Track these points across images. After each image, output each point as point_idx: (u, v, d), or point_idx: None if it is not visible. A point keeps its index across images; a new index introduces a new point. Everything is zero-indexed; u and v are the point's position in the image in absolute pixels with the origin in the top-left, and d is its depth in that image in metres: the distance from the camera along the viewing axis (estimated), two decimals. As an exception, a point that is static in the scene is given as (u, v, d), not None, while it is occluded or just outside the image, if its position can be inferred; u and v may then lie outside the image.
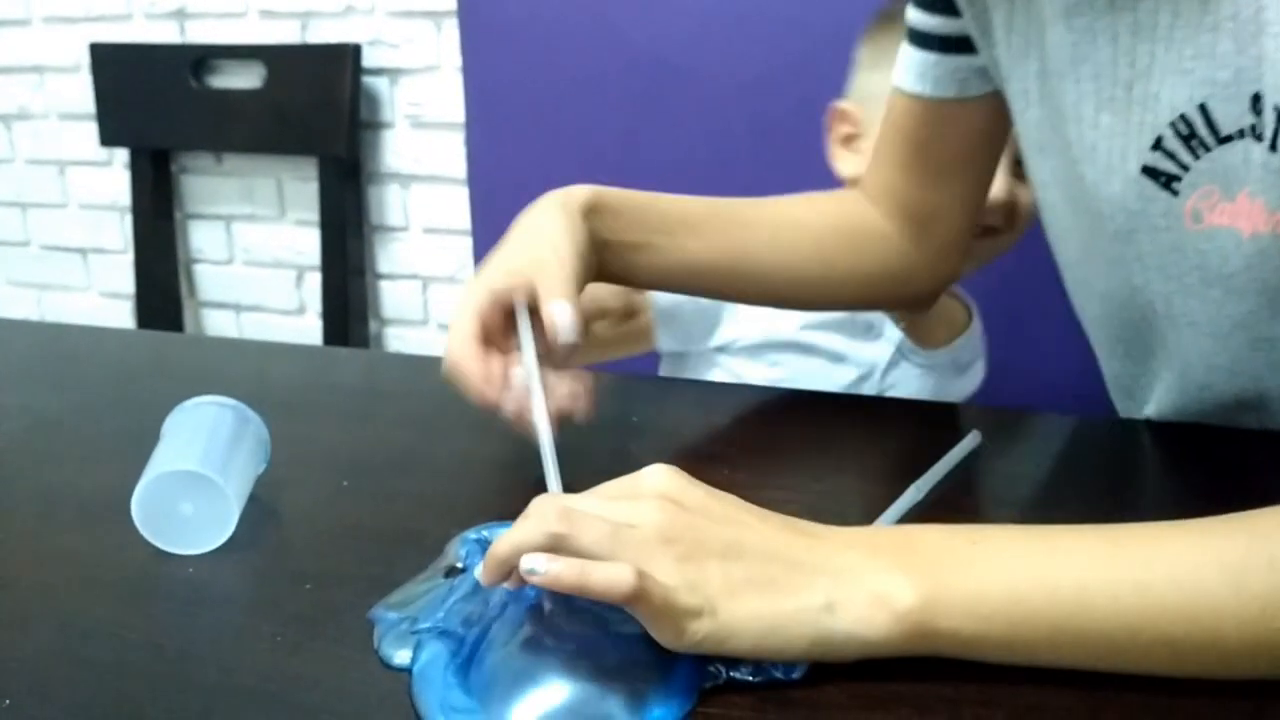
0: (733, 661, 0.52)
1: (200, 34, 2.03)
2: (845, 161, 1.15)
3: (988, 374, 1.22)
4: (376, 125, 1.96)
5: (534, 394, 0.66)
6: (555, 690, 0.50)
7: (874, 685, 0.51)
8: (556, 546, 0.49)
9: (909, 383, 1.15)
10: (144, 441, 0.67)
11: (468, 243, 1.90)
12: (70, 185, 2.25)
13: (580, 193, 0.77)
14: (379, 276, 2.05)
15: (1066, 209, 0.78)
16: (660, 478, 0.53)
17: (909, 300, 1.01)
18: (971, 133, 0.88)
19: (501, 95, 1.67)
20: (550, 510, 0.51)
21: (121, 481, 0.64)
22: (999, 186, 0.98)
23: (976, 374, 1.21)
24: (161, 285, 2.14)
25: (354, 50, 1.87)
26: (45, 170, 2.25)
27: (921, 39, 0.86)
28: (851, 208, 0.94)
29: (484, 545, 0.62)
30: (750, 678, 0.52)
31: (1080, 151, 0.72)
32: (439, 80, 1.89)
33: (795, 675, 0.52)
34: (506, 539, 0.51)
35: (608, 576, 0.48)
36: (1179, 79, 0.64)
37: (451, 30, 1.83)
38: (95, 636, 0.57)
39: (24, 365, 1.00)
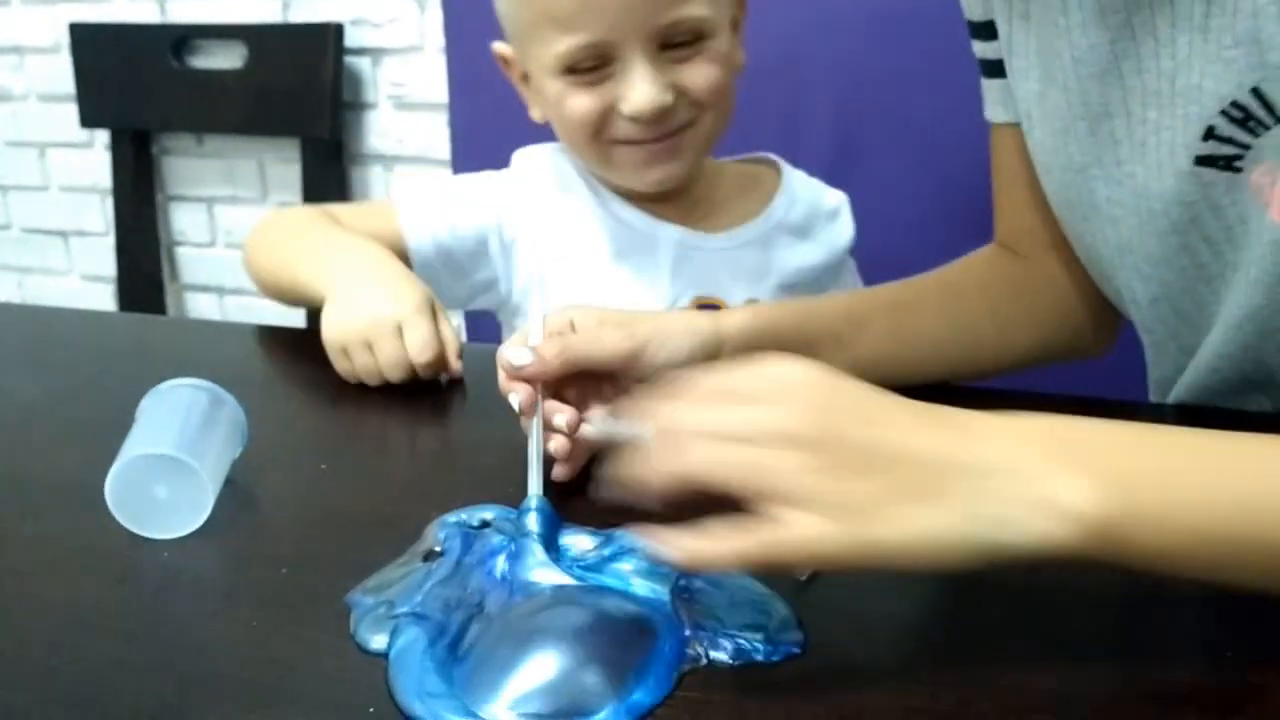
0: (713, 644, 0.52)
1: (181, 13, 2.00)
2: (532, 104, 1.02)
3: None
4: (359, 106, 1.94)
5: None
6: (535, 674, 0.49)
7: (855, 668, 0.51)
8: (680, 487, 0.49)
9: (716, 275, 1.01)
10: (121, 425, 0.66)
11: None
12: (51, 167, 2.22)
13: (733, 321, 0.75)
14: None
15: (1106, 213, 0.75)
16: (797, 373, 0.49)
17: (1089, 337, 0.90)
18: None
19: (485, 76, 1.64)
20: (673, 461, 0.48)
21: (97, 465, 0.63)
22: (642, 96, 0.89)
23: (842, 224, 1.09)
24: (143, 268, 2.12)
25: (336, 30, 1.84)
26: (25, 152, 2.23)
27: (990, 67, 0.83)
28: (1003, 263, 0.89)
29: (463, 529, 0.61)
30: (730, 661, 0.51)
31: (1129, 150, 0.70)
32: (422, 60, 1.87)
33: (776, 659, 0.51)
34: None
35: (721, 558, 0.47)
36: (1223, 68, 0.62)
37: (435, 10, 1.81)
38: (68, 622, 0.56)
39: (1, 348, 0.99)
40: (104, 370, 0.91)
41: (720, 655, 0.52)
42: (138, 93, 2.01)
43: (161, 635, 0.55)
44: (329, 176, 1.93)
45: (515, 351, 0.66)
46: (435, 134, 1.89)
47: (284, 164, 2.02)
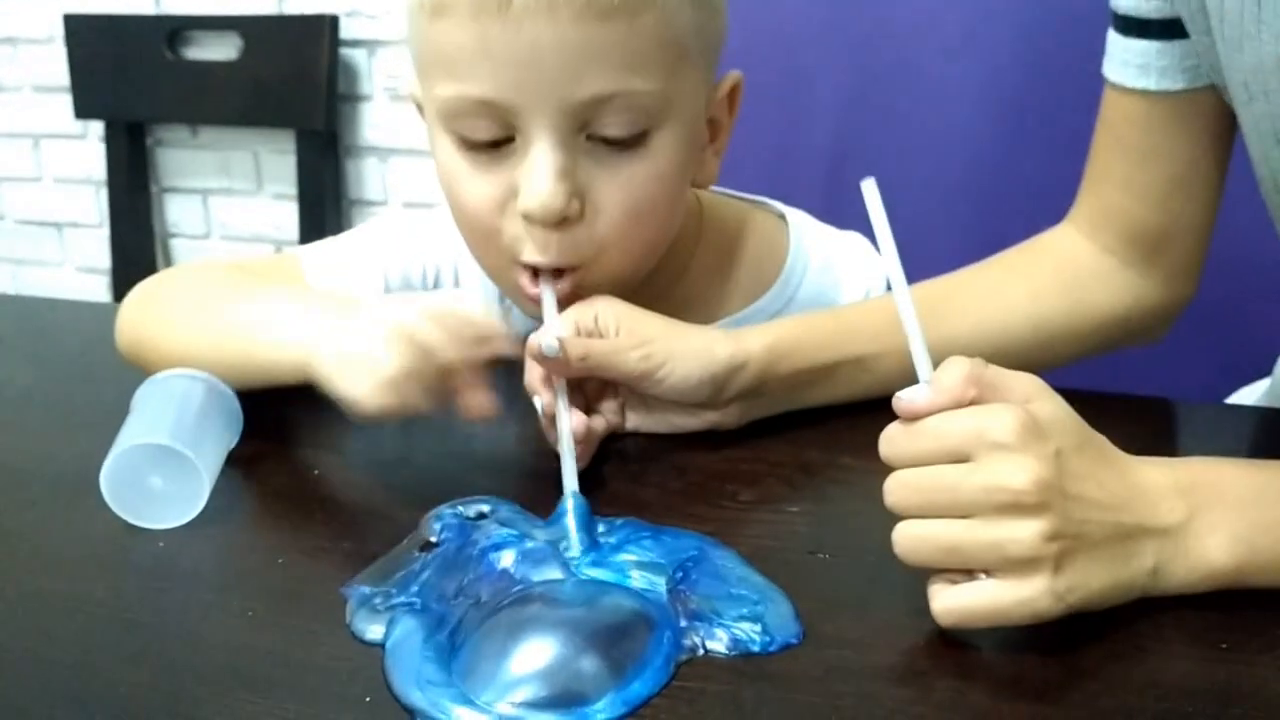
0: (710, 634, 0.52)
1: (175, 4, 2.00)
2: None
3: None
4: (354, 98, 1.94)
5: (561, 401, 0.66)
6: (532, 663, 0.49)
7: (849, 657, 0.51)
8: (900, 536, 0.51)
9: None
10: (116, 415, 0.66)
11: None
12: (45, 158, 2.22)
13: (757, 341, 0.71)
14: (358, 251, 2.03)
15: None
16: (1010, 434, 0.50)
17: (1141, 336, 0.85)
18: (1205, 133, 0.76)
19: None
20: (892, 493, 0.52)
21: (92, 455, 0.63)
22: (533, 189, 0.68)
23: (868, 274, 0.90)
24: (138, 260, 2.11)
25: (331, 21, 1.84)
26: (19, 143, 2.22)
27: (1139, 26, 0.74)
28: (1061, 256, 0.82)
29: (459, 521, 0.61)
30: (727, 651, 0.51)
31: None
32: (417, 52, 1.87)
33: (773, 649, 0.51)
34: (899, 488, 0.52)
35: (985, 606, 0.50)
36: None
37: None
38: (64, 612, 0.56)
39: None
40: (98, 361, 0.91)
41: (717, 646, 0.52)
42: (132, 84, 2.00)
43: (157, 625, 0.55)
44: (324, 168, 1.93)
45: (547, 340, 0.65)
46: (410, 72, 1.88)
47: (279, 156, 2.01)
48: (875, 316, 0.75)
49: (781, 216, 0.90)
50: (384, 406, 0.61)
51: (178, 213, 2.16)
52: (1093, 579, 0.51)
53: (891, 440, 0.52)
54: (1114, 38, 0.76)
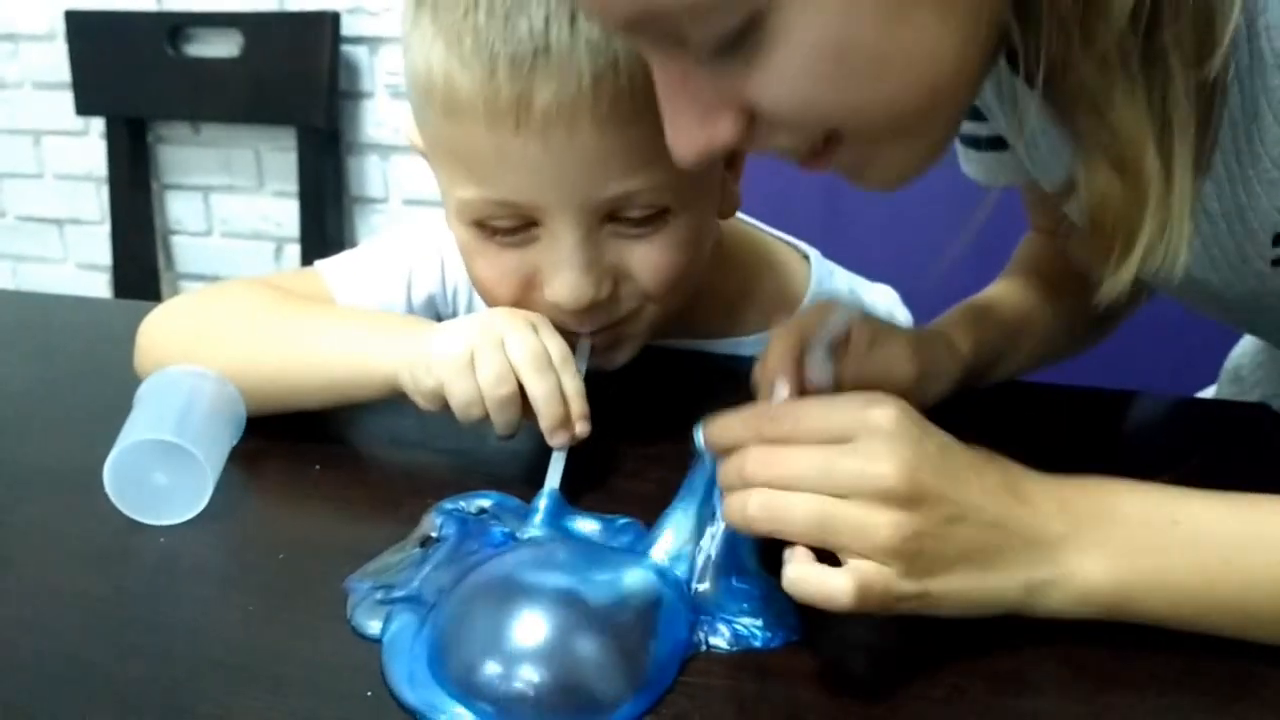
0: (713, 630, 0.52)
1: (177, 1, 1.99)
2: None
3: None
4: (356, 95, 1.94)
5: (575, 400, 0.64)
6: (543, 668, 0.49)
7: (851, 654, 0.51)
8: (763, 503, 0.50)
9: None
10: (118, 411, 0.66)
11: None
12: (46, 155, 2.22)
13: (963, 343, 0.73)
14: (359, 248, 2.04)
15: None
16: (893, 428, 0.50)
17: (1129, 306, 0.84)
18: None
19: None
20: (761, 463, 0.50)
21: (95, 451, 0.63)
22: (565, 285, 0.67)
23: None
24: (139, 257, 2.11)
25: (333, 18, 1.84)
26: (20, 140, 2.22)
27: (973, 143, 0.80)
28: (1043, 258, 0.85)
29: (460, 516, 0.61)
30: (729, 647, 0.52)
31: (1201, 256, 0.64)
32: (419, 49, 1.87)
33: (774, 645, 0.52)
34: (719, 433, 0.53)
35: (825, 591, 0.48)
36: (1272, 191, 0.57)
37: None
38: (66, 606, 0.56)
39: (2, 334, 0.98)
40: (101, 357, 0.91)
41: (719, 642, 0.52)
42: (133, 80, 2.00)
43: (159, 620, 0.55)
44: (325, 165, 1.93)
45: (818, 369, 0.59)
46: (411, 120, 1.88)
47: (280, 153, 2.01)
48: (1011, 314, 0.77)
49: (805, 256, 0.89)
50: (480, 410, 0.62)
51: (179, 209, 2.16)
52: (955, 582, 0.49)
53: (750, 420, 0.52)
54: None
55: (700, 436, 0.54)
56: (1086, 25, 0.47)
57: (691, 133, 0.51)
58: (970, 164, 0.84)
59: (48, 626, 0.54)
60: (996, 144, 0.78)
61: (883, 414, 0.50)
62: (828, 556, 0.49)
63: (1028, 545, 0.50)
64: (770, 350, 0.60)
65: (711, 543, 0.55)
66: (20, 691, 0.50)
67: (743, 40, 0.47)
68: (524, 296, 0.70)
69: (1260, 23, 0.49)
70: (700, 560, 0.55)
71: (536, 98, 0.61)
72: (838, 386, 0.59)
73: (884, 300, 0.92)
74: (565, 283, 0.66)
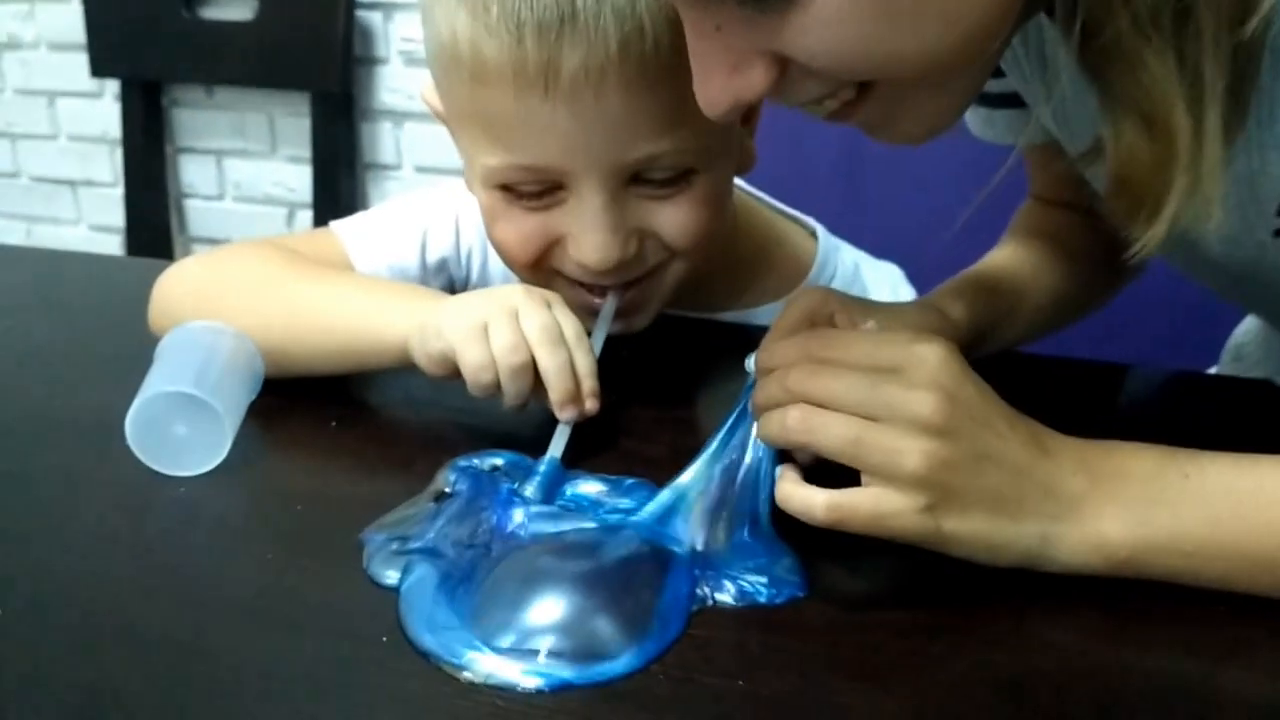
0: (718, 586, 0.53)
1: (192, -36, 2.00)
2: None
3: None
4: (370, 60, 1.94)
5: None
6: (550, 614, 0.51)
7: (854, 610, 0.53)
8: (801, 418, 0.52)
9: None
10: (136, 365, 0.67)
11: (460, 182, 1.89)
12: (60, 116, 2.22)
13: (955, 310, 0.71)
14: (371, 214, 2.04)
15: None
16: (938, 363, 0.51)
17: (1129, 273, 0.86)
18: None
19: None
20: (805, 378, 0.52)
21: (114, 403, 0.64)
22: (593, 246, 0.68)
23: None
24: (151, 220, 2.12)
25: (348, -17, 1.85)
26: (35, 101, 2.23)
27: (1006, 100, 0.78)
28: (1042, 223, 0.84)
29: (473, 472, 0.63)
30: (735, 602, 0.53)
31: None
32: (433, 17, 1.87)
33: (779, 600, 0.53)
34: (769, 353, 0.55)
35: (805, 503, 0.51)
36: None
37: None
38: (90, 553, 0.57)
39: (15, 291, 1.00)
40: (116, 312, 0.92)
41: (725, 597, 0.53)
42: (148, 43, 2.00)
43: (180, 565, 0.56)
44: (338, 131, 1.94)
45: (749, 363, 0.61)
46: (429, 85, 1.89)
47: (294, 118, 2.02)
48: (1012, 280, 0.78)
49: (812, 232, 0.90)
50: (492, 375, 0.63)
51: (192, 173, 2.16)
52: (972, 523, 0.51)
53: (804, 343, 0.54)
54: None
55: (751, 362, 0.56)
56: None
57: (723, 83, 0.51)
58: (977, 120, 0.83)
59: (70, 569, 0.56)
60: (1009, 101, 0.78)
61: (930, 350, 0.52)
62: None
63: (1047, 496, 0.52)
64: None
65: (749, 455, 0.58)
66: (43, 632, 0.51)
67: None
68: (546, 258, 0.71)
69: None
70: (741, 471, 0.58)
71: (564, 63, 0.62)
72: None
73: (889, 278, 0.92)
74: (593, 244, 0.67)
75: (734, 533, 0.56)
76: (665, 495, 0.58)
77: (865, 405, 0.51)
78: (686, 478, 0.58)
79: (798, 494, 0.52)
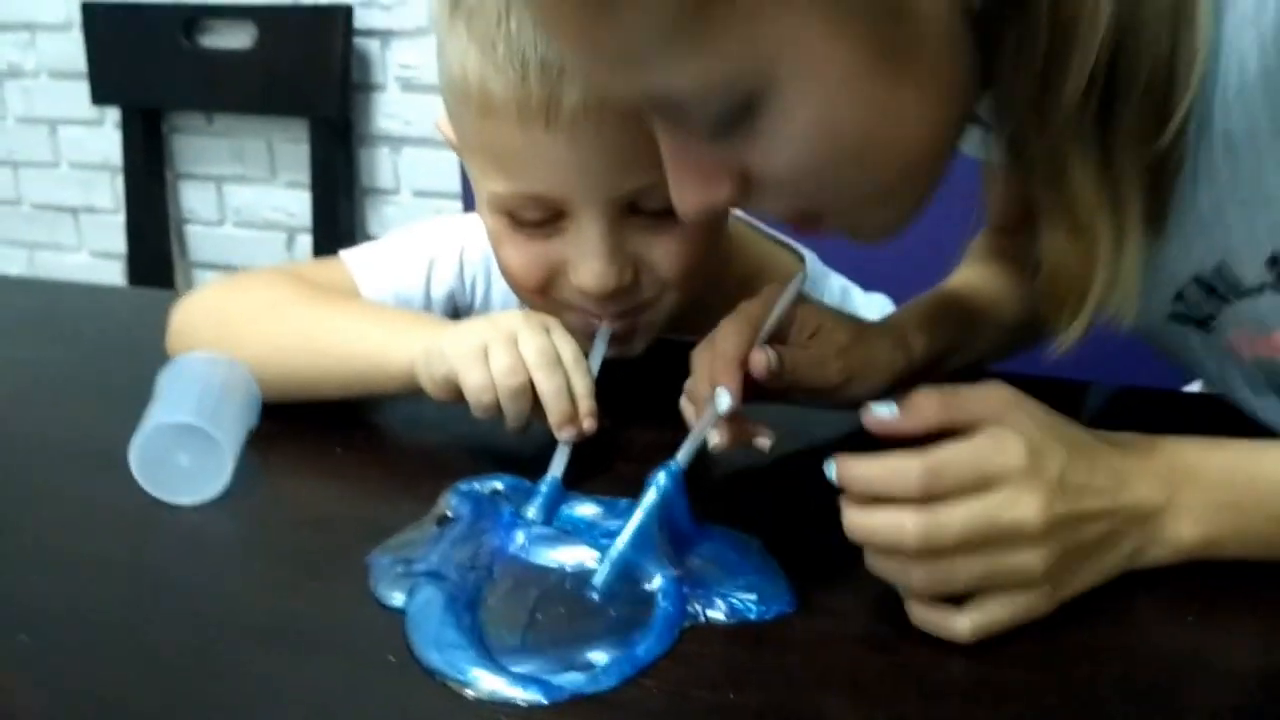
0: (709, 603, 0.56)
1: (192, -7, 2.03)
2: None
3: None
4: (368, 87, 1.97)
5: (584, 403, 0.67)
6: (546, 626, 0.54)
7: (838, 625, 0.55)
8: (926, 577, 0.53)
9: None
10: (139, 393, 0.70)
11: (457, 206, 1.91)
12: (62, 144, 2.25)
13: (919, 347, 0.74)
14: (370, 239, 2.06)
15: None
16: (1024, 455, 0.52)
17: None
18: None
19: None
20: (921, 537, 0.51)
21: (119, 431, 0.67)
22: (592, 272, 0.71)
23: None
24: (152, 245, 2.15)
25: (346, 11, 1.87)
26: (36, 129, 2.26)
27: None
28: (998, 251, 0.86)
29: (474, 496, 0.65)
30: (725, 619, 0.55)
31: None
32: (430, 42, 1.88)
33: (767, 617, 0.55)
34: (874, 478, 0.52)
35: (948, 630, 0.53)
36: (1184, 248, 0.62)
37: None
38: (102, 578, 0.59)
39: (21, 321, 1.02)
40: (117, 342, 0.95)
41: (716, 614, 0.55)
42: (149, 71, 2.04)
43: (188, 588, 0.59)
44: (336, 157, 1.97)
45: (758, 359, 0.64)
46: (442, 115, 1.91)
47: (293, 144, 2.05)
48: (971, 301, 0.80)
49: (801, 258, 0.92)
50: (492, 396, 0.66)
51: (192, 199, 2.19)
52: (1086, 575, 0.55)
53: (902, 474, 0.52)
54: None
55: (833, 471, 0.54)
56: (1043, 104, 0.51)
57: (695, 192, 0.57)
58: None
59: (83, 592, 0.58)
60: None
61: (1004, 462, 0.52)
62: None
63: (1132, 522, 0.56)
64: (716, 346, 0.65)
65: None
66: (57, 653, 0.53)
67: (741, 117, 0.51)
68: (550, 283, 0.74)
69: (1215, 98, 0.53)
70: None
71: (565, 99, 0.65)
72: (781, 372, 0.64)
73: (878, 307, 0.95)
74: (591, 270, 0.71)
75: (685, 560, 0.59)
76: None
77: (985, 539, 0.52)
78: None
79: (932, 619, 0.53)
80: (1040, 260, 0.58)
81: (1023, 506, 0.52)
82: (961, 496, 0.51)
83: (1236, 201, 0.57)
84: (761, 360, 0.64)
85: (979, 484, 0.51)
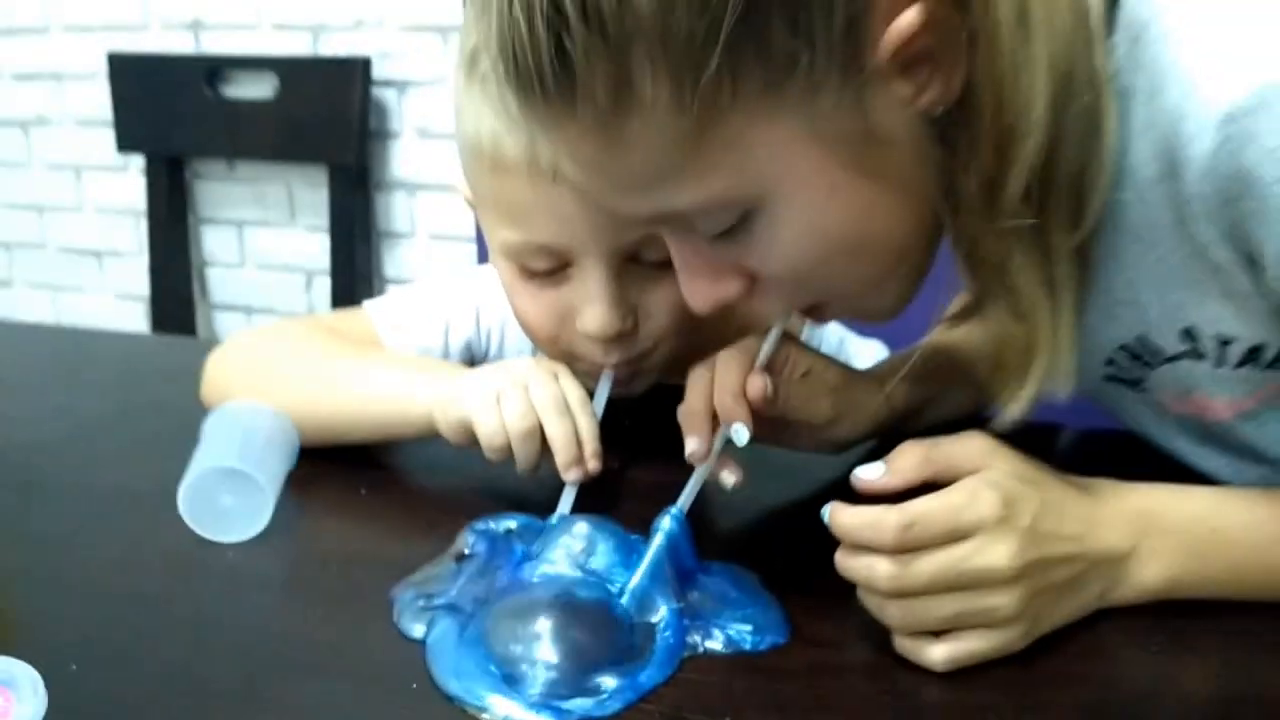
0: (708, 634, 0.60)
1: (215, 45, 2.09)
2: None
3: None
4: (385, 135, 2.03)
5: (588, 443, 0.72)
6: (553, 656, 0.57)
7: (830, 654, 0.59)
8: (901, 615, 0.58)
9: None
10: (177, 442, 0.75)
11: (472, 249, 1.97)
12: (87, 190, 2.31)
13: (894, 369, 0.78)
14: (386, 281, 2.12)
15: None
16: (997, 505, 0.57)
17: None
18: None
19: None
20: (892, 579, 0.56)
21: (158, 475, 0.72)
22: (595, 318, 0.76)
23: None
24: (175, 288, 2.20)
25: (364, 63, 1.93)
26: (63, 175, 2.32)
27: None
28: None
29: (490, 535, 0.69)
30: (723, 649, 0.60)
31: None
32: (445, 92, 1.93)
33: (763, 648, 0.60)
34: (856, 529, 0.57)
35: (925, 658, 0.57)
36: (1108, 322, 0.67)
37: (457, 44, 1.89)
38: (147, 613, 0.64)
39: (52, 370, 1.07)
40: (150, 390, 0.99)
41: (714, 645, 0.60)
42: (172, 120, 2.09)
43: (228, 623, 0.63)
44: (354, 202, 2.02)
45: (756, 383, 0.68)
46: (457, 162, 1.97)
47: (312, 190, 2.10)
48: (950, 357, 0.82)
49: None
50: (504, 440, 0.71)
51: (214, 243, 2.25)
52: (1057, 614, 0.60)
53: (880, 529, 0.57)
54: None
55: (827, 514, 0.59)
56: (990, 206, 0.57)
57: (705, 290, 0.63)
58: None
59: (132, 627, 0.63)
60: None
61: (977, 513, 0.57)
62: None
63: (1102, 564, 0.60)
64: (718, 377, 0.69)
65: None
66: (112, 683, 0.58)
67: (741, 227, 0.58)
68: (560, 329, 0.79)
69: (1123, 195, 0.59)
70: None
71: None
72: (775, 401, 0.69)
73: (872, 355, 0.99)
74: (595, 315, 0.76)
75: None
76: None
77: (953, 584, 0.56)
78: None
79: (910, 649, 0.58)
80: (985, 341, 0.64)
81: (994, 554, 0.56)
82: (934, 546, 0.56)
83: (1148, 282, 0.63)
84: (759, 385, 0.68)
85: (951, 535, 0.56)
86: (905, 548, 0.56)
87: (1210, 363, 0.64)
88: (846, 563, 0.58)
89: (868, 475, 0.60)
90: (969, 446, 0.60)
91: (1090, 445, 0.84)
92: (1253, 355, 0.63)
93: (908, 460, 0.60)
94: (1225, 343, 0.63)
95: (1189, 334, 0.64)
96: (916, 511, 0.56)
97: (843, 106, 0.54)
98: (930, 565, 0.56)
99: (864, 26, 0.52)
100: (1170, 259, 0.60)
